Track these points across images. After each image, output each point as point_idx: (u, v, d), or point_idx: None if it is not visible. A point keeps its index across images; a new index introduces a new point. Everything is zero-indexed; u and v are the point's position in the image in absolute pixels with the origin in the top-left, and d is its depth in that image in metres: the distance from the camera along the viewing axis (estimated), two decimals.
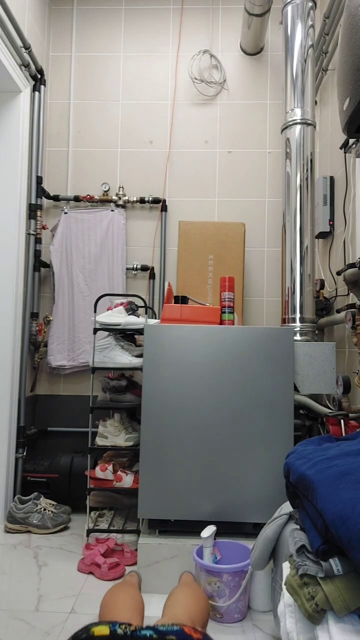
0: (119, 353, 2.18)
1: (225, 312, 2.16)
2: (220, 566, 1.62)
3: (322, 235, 2.62)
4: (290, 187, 2.29)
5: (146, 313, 2.42)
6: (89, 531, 2.07)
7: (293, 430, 1.93)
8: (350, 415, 1.85)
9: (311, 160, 2.29)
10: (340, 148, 2.32)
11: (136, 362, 2.14)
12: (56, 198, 2.92)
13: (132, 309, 2.27)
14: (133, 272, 2.93)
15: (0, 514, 2.37)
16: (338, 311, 2.25)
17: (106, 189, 2.93)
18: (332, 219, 2.56)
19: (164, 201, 2.93)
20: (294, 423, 1.95)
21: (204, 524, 1.81)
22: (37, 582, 1.81)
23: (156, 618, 1.52)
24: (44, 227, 2.85)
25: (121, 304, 2.28)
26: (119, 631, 0.95)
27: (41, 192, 2.80)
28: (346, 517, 0.83)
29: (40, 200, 2.81)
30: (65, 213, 2.91)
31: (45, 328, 2.85)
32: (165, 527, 1.89)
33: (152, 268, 2.93)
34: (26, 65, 2.54)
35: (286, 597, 0.99)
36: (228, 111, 3.00)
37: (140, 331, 2.19)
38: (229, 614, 1.61)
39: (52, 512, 2.33)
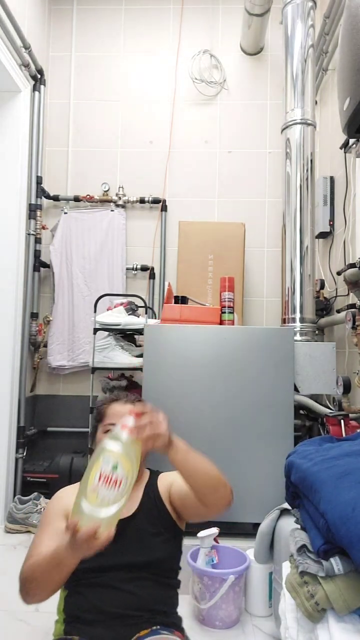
0: (119, 353, 2.18)
1: (225, 312, 2.15)
2: (202, 568, 1.62)
3: (322, 235, 2.62)
4: (290, 187, 2.29)
5: (146, 313, 2.42)
6: None
7: (293, 430, 1.93)
8: (350, 415, 1.85)
9: (311, 160, 2.29)
10: (340, 148, 2.32)
11: (136, 362, 2.14)
12: (56, 198, 2.91)
13: (132, 309, 2.27)
14: (133, 272, 2.93)
15: (1, 514, 2.37)
16: (338, 311, 2.24)
17: (106, 189, 2.93)
18: (332, 219, 2.56)
19: (164, 201, 2.93)
20: (294, 423, 1.95)
21: (204, 525, 1.81)
22: None
23: None
24: (43, 227, 2.84)
25: (121, 304, 2.28)
26: None
27: (41, 192, 2.80)
28: (347, 517, 0.83)
29: (40, 200, 2.81)
30: (65, 213, 2.90)
31: (45, 328, 2.85)
32: None
33: (152, 268, 2.93)
34: (26, 65, 2.54)
35: (287, 597, 0.99)
36: (228, 111, 3.00)
37: (140, 331, 2.19)
38: (209, 618, 1.60)
39: None
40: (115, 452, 0.88)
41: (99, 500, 0.85)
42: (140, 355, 2.18)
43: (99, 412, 1.31)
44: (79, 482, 1.31)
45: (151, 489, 1.27)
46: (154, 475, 1.33)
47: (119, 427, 0.91)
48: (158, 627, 1.08)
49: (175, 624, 1.15)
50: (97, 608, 1.04)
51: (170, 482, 1.25)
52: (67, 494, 1.24)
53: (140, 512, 1.20)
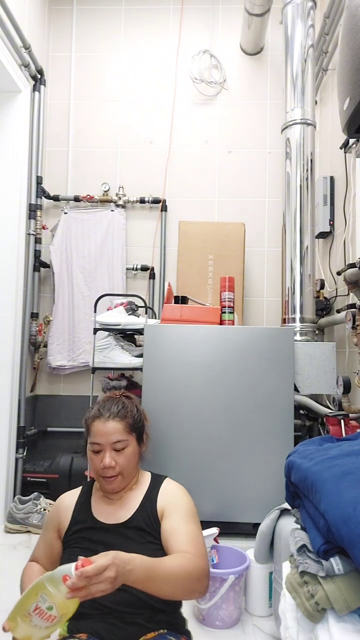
0: (119, 353, 2.18)
1: (225, 312, 2.16)
2: None
3: (322, 235, 2.62)
4: (290, 187, 2.29)
5: (146, 313, 2.42)
6: None
7: (293, 430, 1.93)
8: (350, 415, 1.85)
9: (311, 160, 2.29)
10: (340, 148, 2.32)
11: (136, 362, 2.14)
12: (56, 198, 2.92)
13: (132, 309, 2.27)
14: (133, 272, 2.93)
15: (1, 514, 2.37)
16: (338, 311, 2.24)
17: (106, 189, 2.93)
18: (332, 219, 2.56)
19: (164, 201, 2.93)
20: (294, 423, 1.95)
21: (204, 525, 1.81)
22: None
23: None
24: (43, 227, 2.84)
25: (121, 304, 2.28)
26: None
27: (41, 192, 2.80)
28: (348, 517, 0.83)
29: (40, 200, 2.81)
30: (65, 213, 2.90)
31: (45, 328, 2.85)
32: None
33: (152, 268, 2.93)
34: (26, 65, 2.54)
35: (287, 597, 0.99)
36: (228, 111, 3.00)
37: (140, 331, 2.19)
38: (210, 618, 1.60)
39: None
40: (52, 595, 0.86)
41: (32, 624, 0.88)
42: (140, 355, 2.18)
43: (87, 427, 1.34)
44: (79, 488, 1.31)
45: (149, 501, 1.23)
46: (157, 482, 1.28)
47: (62, 574, 0.86)
48: (165, 631, 1.07)
49: (179, 625, 1.15)
50: (94, 603, 1.04)
51: (166, 509, 1.19)
52: (63, 502, 1.29)
53: (133, 525, 1.18)
